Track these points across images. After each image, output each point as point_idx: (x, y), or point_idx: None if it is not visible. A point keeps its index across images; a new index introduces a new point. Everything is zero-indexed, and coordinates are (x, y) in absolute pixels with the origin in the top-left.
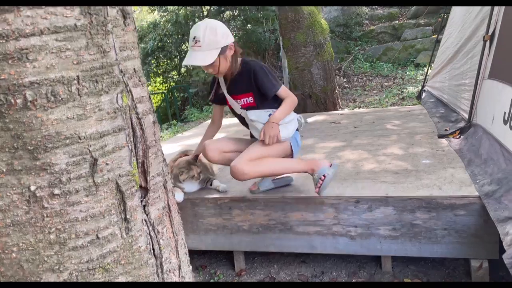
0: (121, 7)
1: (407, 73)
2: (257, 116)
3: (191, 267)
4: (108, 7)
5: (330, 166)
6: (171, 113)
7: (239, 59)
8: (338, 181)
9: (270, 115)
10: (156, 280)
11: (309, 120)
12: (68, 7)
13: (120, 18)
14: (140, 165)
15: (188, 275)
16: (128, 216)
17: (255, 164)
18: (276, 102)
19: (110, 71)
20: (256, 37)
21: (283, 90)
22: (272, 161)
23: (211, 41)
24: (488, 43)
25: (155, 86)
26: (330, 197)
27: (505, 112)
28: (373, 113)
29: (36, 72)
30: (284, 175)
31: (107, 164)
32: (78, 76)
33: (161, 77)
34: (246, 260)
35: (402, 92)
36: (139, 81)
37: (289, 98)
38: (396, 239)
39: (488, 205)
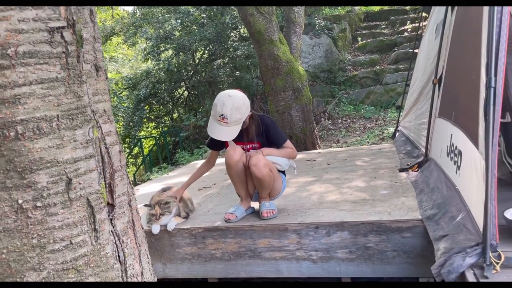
0: (94, 62)
1: (389, 114)
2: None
3: (154, 276)
4: (83, 63)
5: None
6: (163, 157)
7: (253, 115)
8: (302, 211)
9: None
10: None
11: None
12: (51, 64)
13: (93, 71)
14: (107, 185)
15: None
16: (97, 227)
17: (267, 174)
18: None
19: (83, 111)
20: (245, 83)
21: (289, 143)
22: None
23: (237, 119)
24: (437, 86)
25: (148, 131)
26: (293, 224)
27: (447, 146)
28: (347, 151)
29: (26, 112)
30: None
31: (79, 183)
32: (58, 115)
33: (154, 122)
34: None
35: (383, 132)
36: (108, 119)
37: (291, 149)
38: (352, 261)
39: (429, 227)
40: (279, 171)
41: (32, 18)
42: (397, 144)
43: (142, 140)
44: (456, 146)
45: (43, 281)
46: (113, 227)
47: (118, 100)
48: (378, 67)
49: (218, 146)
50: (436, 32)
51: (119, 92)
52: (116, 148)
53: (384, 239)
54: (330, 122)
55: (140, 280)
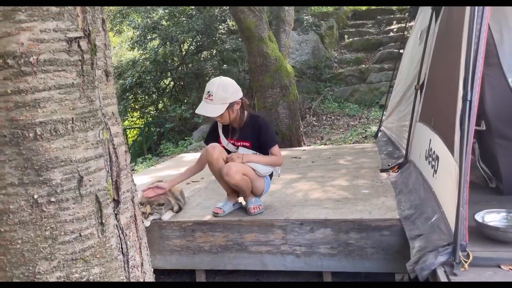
0: (105, 68)
1: (372, 113)
2: (245, 151)
3: (151, 266)
4: (96, 69)
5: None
6: (147, 148)
7: (246, 112)
8: (288, 207)
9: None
10: (123, 273)
11: None
12: (68, 71)
13: (104, 76)
14: (114, 183)
15: (149, 272)
16: (103, 221)
17: (241, 179)
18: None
19: (95, 114)
20: (231, 77)
21: (276, 149)
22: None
23: (222, 97)
24: (419, 91)
25: (132, 121)
26: (279, 220)
27: (426, 150)
28: (331, 149)
29: (44, 115)
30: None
31: (89, 181)
32: (72, 118)
33: (138, 112)
34: (207, 279)
35: (366, 131)
36: (116, 121)
37: (276, 157)
38: (334, 256)
39: (405, 226)
40: None
41: (53, 28)
42: (379, 144)
43: (127, 130)
44: (434, 151)
45: (54, 270)
46: (118, 221)
47: None
48: (363, 65)
49: (213, 142)
50: (420, 38)
51: None
52: (123, 148)
53: (364, 237)
54: (314, 118)
55: (140, 271)
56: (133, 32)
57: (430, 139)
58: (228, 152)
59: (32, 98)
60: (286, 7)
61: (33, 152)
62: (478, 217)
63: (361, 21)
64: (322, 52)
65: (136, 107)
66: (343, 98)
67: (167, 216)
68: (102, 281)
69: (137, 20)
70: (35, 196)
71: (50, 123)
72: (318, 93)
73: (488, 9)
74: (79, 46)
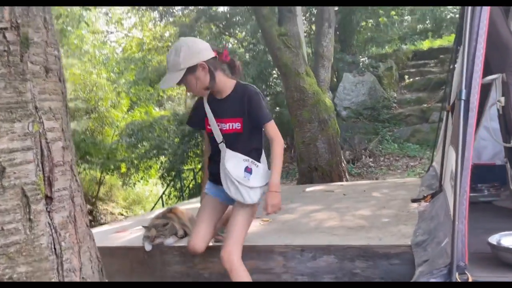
0: (44, 64)
1: (434, 153)
2: (233, 166)
3: (98, 274)
4: (28, 63)
5: None
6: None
7: (233, 82)
8: (295, 234)
9: (246, 167)
10: (55, 275)
11: (307, 189)
12: None
13: (42, 72)
14: (46, 178)
15: (93, 279)
16: (32, 217)
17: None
18: (261, 133)
19: (24, 106)
20: (285, 118)
21: (273, 126)
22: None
23: (175, 62)
24: (450, 113)
25: (193, 165)
26: (279, 246)
27: (451, 171)
28: (370, 184)
29: None
30: None
31: (14, 173)
32: None
33: (199, 157)
34: None
35: (425, 171)
36: (53, 116)
37: (278, 145)
38: None
39: (416, 253)
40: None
41: None
42: (424, 178)
43: (186, 173)
44: (454, 171)
45: None
46: (51, 219)
47: (167, 135)
48: (425, 105)
49: (196, 123)
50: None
51: (170, 128)
52: (59, 144)
53: (371, 265)
54: (371, 159)
55: (78, 276)
56: None
57: (455, 159)
58: (213, 140)
59: None
60: (324, 43)
61: None
62: (493, 240)
63: (422, 61)
64: (379, 93)
65: (198, 152)
66: (403, 138)
67: (170, 240)
68: (29, 281)
69: None
70: None
71: None
72: (376, 133)
73: (487, 9)
74: (4, 36)
